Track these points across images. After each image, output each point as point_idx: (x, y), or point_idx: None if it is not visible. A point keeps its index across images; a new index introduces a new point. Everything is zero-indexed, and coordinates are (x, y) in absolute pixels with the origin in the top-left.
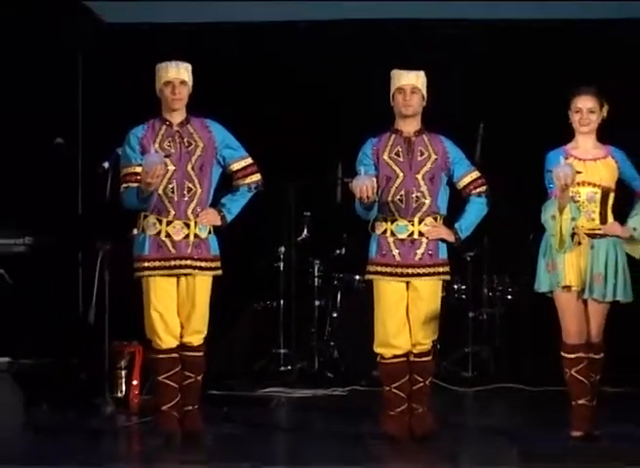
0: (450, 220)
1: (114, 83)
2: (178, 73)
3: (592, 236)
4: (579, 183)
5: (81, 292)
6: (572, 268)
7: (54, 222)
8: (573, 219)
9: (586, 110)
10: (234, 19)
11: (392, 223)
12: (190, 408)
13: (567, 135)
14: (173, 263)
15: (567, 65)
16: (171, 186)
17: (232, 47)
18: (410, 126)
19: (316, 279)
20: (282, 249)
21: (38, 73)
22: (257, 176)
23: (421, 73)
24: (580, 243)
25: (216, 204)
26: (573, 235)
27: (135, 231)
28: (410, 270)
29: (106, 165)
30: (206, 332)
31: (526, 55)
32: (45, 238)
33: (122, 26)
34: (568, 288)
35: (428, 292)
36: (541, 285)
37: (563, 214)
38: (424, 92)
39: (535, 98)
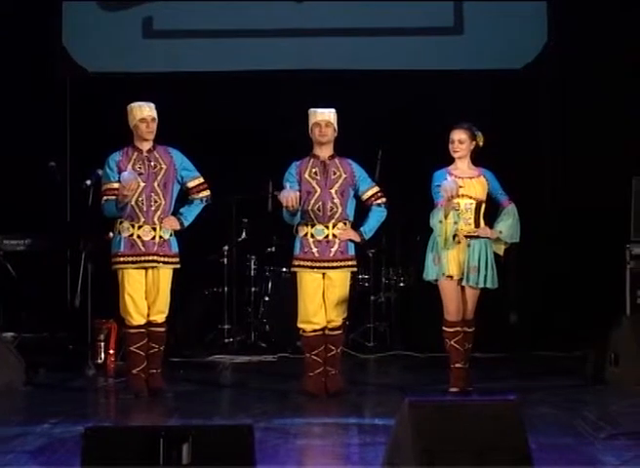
0: (356, 225)
1: (94, 118)
2: (150, 112)
3: (469, 237)
4: (459, 196)
5: (69, 281)
6: (453, 261)
7: (47, 227)
8: (455, 224)
9: (457, 141)
10: (185, 70)
11: (312, 227)
12: (154, 371)
13: (448, 158)
14: (142, 258)
15: (448, 106)
16: (141, 199)
17: (186, 90)
18: (324, 152)
19: (252, 271)
20: (226, 247)
21: (36, 110)
22: (207, 192)
23: (333, 111)
24: (459, 242)
25: (175, 212)
26: (454, 236)
27: (111, 234)
28: (325, 264)
29: (88, 182)
30: (167, 312)
31: (414, 97)
32: (41, 240)
33: (100, 74)
34: (450, 277)
35: (340, 281)
36: (429, 274)
37: (447, 220)
38: (336, 125)
39: (420, 131)
